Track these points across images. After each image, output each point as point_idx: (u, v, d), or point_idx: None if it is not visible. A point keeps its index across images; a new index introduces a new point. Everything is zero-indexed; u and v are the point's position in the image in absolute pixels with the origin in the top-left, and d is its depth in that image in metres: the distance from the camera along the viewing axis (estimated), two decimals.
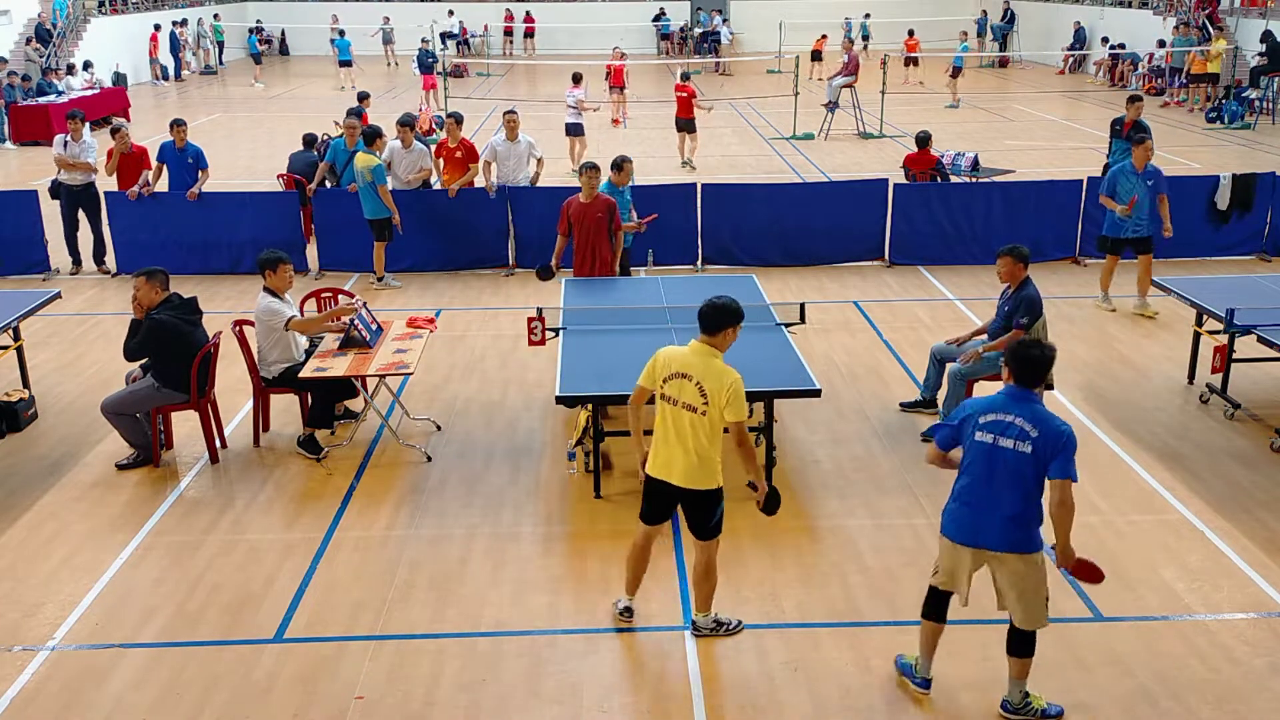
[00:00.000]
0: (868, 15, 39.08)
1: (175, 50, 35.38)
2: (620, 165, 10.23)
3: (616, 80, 23.92)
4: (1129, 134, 11.56)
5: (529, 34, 42.62)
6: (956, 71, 27.04)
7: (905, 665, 5.68)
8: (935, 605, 5.48)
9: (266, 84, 32.65)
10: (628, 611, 6.14)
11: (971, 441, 5.22)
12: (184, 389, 7.96)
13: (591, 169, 9.64)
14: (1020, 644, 5.30)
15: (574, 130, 18.78)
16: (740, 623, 6.06)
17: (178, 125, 13.07)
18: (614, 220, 9.64)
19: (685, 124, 19.37)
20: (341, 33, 33.31)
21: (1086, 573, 5.30)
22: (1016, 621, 5.27)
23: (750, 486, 5.83)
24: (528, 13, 42.70)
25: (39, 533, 7.22)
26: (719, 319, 5.53)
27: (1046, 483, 5.09)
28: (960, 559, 5.27)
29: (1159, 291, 9.82)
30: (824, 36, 33.83)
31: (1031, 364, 5.19)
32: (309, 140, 14.79)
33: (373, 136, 12.41)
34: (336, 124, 14.99)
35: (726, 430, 5.60)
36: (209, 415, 8.21)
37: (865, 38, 38.72)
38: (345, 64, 31.71)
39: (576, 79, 19.03)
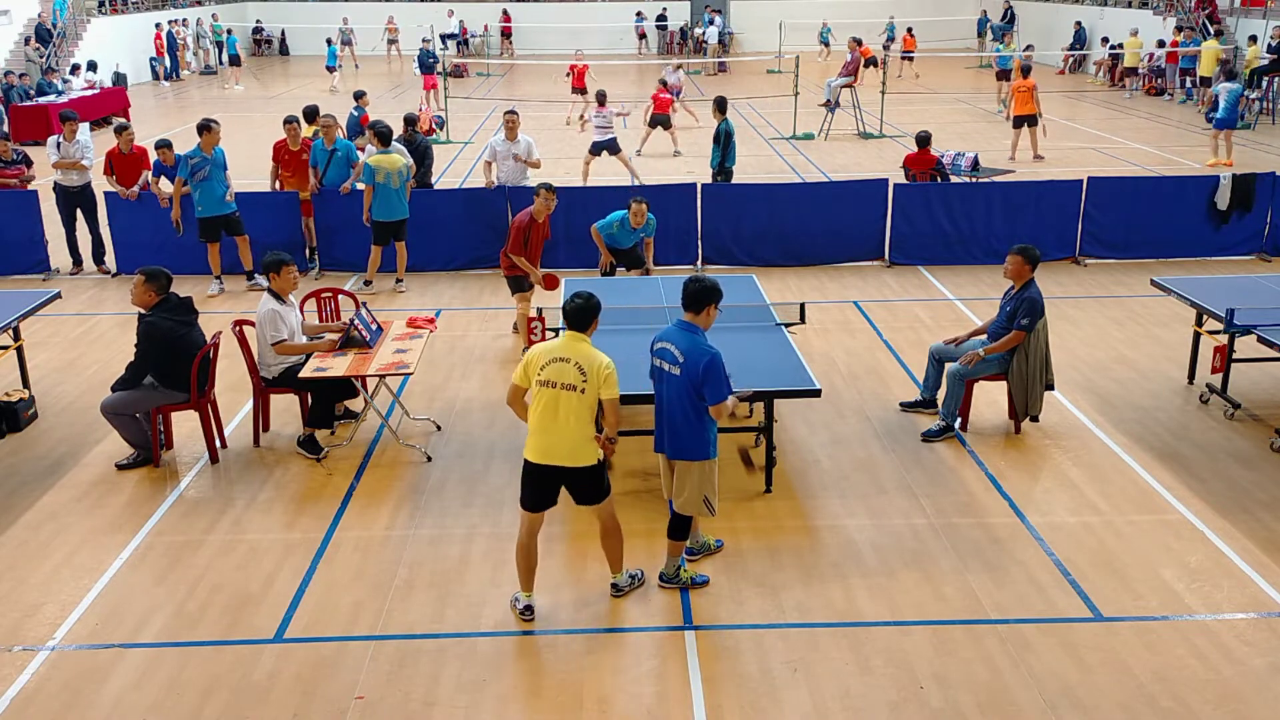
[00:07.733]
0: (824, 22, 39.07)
1: (173, 50, 35.38)
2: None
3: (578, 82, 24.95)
4: None
5: (506, 34, 42.43)
6: (1002, 74, 26.76)
7: (702, 546, 6.71)
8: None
9: (246, 88, 32.40)
10: (529, 610, 6.17)
11: (651, 366, 6.21)
12: (183, 389, 7.97)
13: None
14: (676, 529, 6.32)
15: (605, 148, 17.68)
16: (642, 571, 6.50)
17: (161, 147, 12.93)
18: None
19: (661, 119, 20.62)
20: (330, 40, 33.24)
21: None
22: (677, 507, 6.25)
23: (608, 439, 6.10)
24: (505, 11, 42.47)
25: (39, 533, 7.22)
26: (588, 315, 6.03)
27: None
28: (662, 462, 6.36)
29: (1159, 291, 9.80)
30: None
31: (695, 295, 6.06)
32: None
33: (388, 136, 12.36)
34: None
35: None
36: (209, 415, 8.21)
37: (825, 43, 38.60)
38: (330, 69, 31.62)
39: (601, 99, 18.26)
